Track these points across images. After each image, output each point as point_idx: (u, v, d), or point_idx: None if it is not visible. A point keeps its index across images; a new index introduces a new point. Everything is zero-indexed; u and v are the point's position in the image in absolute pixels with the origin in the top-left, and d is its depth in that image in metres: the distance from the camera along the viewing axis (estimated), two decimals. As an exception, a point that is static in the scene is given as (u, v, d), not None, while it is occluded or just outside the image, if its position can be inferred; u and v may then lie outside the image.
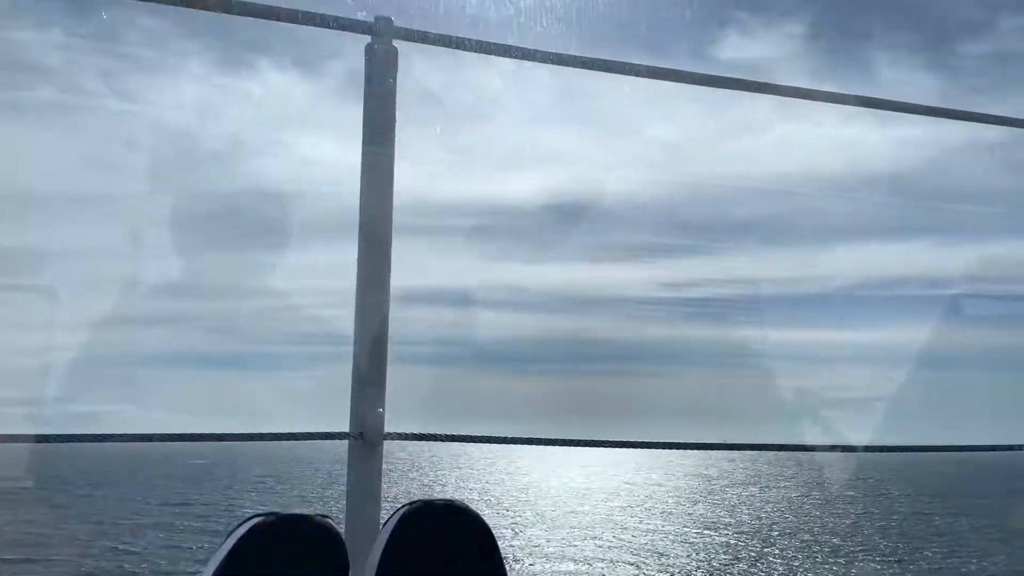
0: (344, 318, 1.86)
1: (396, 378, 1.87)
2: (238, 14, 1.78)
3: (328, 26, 1.82)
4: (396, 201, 1.87)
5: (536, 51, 2.00)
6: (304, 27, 1.85)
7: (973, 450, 2.41)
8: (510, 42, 1.97)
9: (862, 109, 2.38)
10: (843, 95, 2.32)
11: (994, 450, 2.39)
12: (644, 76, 2.06)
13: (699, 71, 2.18)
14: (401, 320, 1.89)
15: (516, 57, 1.99)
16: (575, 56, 2.04)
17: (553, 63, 2.02)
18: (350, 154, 1.85)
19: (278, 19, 1.81)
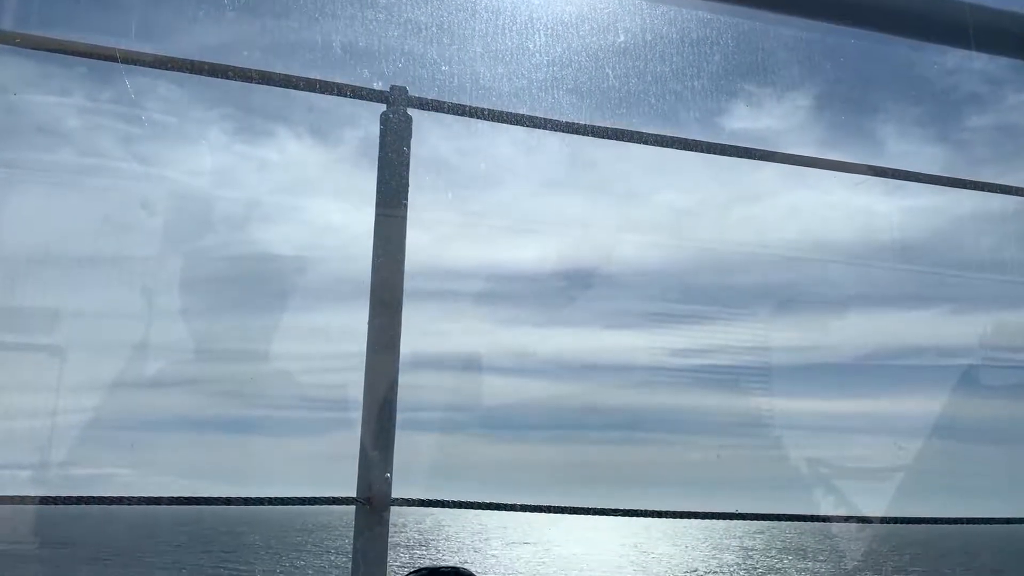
0: (353, 383, 1.85)
1: (403, 444, 1.86)
2: (257, 83, 1.84)
3: (345, 95, 1.87)
4: (407, 265, 1.89)
5: (548, 120, 2.04)
6: (321, 96, 1.90)
7: (990, 523, 2.36)
8: (522, 111, 2.01)
9: (870, 178, 2.40)
10: (850, 164, 2.35)
11: (1010, 523, 2.34)
12: (652, 144, 2.10)
13: (707, 139, 2.22)
14: (409, 385, 1.88)
15: (528, 126, 2.03)
16: (585, 125, 2.08)
17: (564, 131, 2.06)
18: (363, 219, 1.87)
19: (296, 88, 1.86)
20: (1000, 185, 2.45)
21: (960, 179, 2.46)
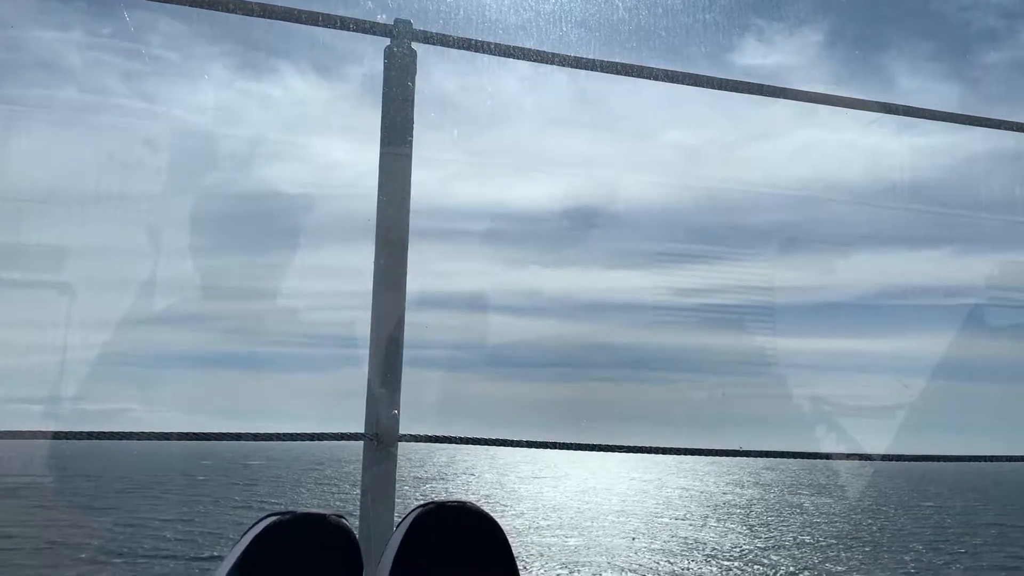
0: (360, 321, 1.86)
1: (411, 381, 1.87)
2: (258, 15, 1.80)
3: (348, 28, 1.83)
4: (413, 204, 1.88)
5: (555, 55, 2.00)
6: (324, 31, 1.86)
7: (993, 460, 2.39)
8: (529, 45, 1.97)
9: (882, 117, 2.36)
10: (862, 101, 2.31)
11: (1012, 460, 2.37)
12: (662, 80, 2.06)
13: (718, 75, 2.17)
14: (416, 324, 1.89)
15: (535, 60, 1.99)
16: (594, 60, 2.04)
17: (572, 67, 2.02)
18: (368, 157, 1.85)
19: (298, 21, 1.82)
20: (1014, 123, 2.40)
21: (973, 116, 2.42)
